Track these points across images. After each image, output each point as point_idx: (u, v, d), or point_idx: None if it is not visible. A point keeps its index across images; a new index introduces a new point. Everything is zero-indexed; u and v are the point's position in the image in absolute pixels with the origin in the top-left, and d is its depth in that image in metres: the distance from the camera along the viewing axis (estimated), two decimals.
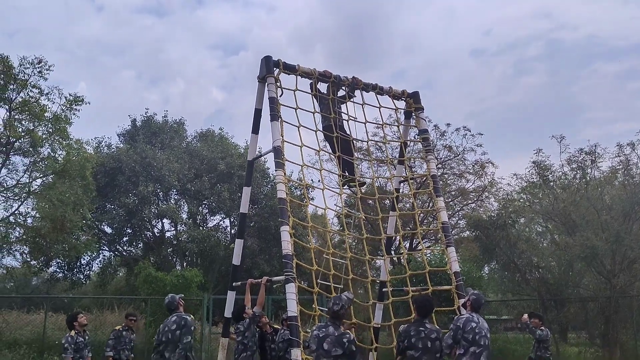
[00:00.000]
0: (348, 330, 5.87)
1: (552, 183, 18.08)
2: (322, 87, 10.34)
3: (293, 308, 7.99)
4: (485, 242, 17.95)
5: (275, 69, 9.69)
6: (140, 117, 29.28)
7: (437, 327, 6.45)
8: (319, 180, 9.69)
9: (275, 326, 10.15)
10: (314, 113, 9.85)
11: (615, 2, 62.71)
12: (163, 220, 28.78)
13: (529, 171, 18.67)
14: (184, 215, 29.41)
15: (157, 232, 29.02)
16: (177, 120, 30.64)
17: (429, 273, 9.70)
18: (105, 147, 27.83)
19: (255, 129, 9.95)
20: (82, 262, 25.58)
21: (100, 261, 27.12)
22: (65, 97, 17.78)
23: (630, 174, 16.19)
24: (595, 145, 17.18)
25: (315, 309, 8.38)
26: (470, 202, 24.56)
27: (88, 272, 26.46)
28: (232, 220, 30.77)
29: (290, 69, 9.74)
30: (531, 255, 17.44)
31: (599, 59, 64.07)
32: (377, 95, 10.67)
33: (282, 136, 9.18)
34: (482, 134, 23.77)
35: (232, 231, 30.55)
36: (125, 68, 71.26)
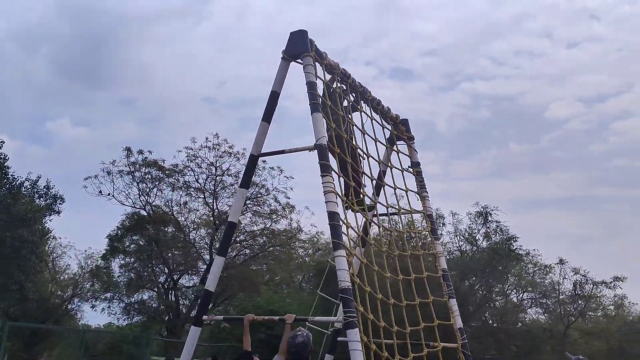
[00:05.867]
0: None
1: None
2: None
3: None
4: (330, 290, 17.08)
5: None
6: None
7: None
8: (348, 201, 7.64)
9: None
10: (343, 113, 7.99)
11: None
12: None
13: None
14: None
15: None
16: None
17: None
18: None
19: (268, 117, 7.66)
20: None
21: None
22: None
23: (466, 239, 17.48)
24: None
25: None
26: (277, 245, 23.74)
27: None
28: None
29: (319, 56, 7.84)
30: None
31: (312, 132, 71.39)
32: (380, 114, 9.25)
33: (326, 133, 7.19)
34: (293, 178, 23.31)
35: None
36: None
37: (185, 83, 70.06)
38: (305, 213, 24.05)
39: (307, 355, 5.44)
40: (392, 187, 8.81)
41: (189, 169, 23.76)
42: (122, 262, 25.60)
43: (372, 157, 8.68)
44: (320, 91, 7.98)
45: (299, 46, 7.63)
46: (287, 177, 23.28)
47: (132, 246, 25.70)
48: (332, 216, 6.69)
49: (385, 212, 9.17)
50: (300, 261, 29.47)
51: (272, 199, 23.75)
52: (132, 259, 25.66)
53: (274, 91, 7.76)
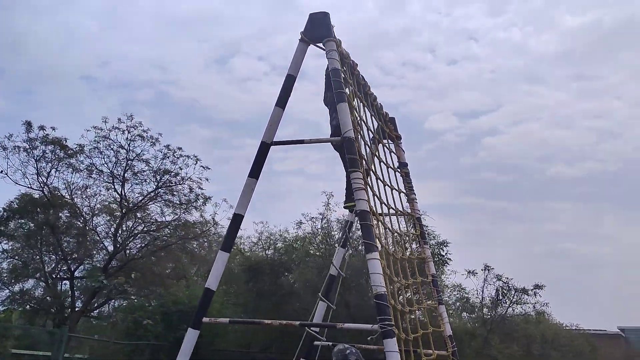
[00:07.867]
0: None
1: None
2: None
3: None
4: (259, 288, 16.40)
5: None
6: None
7: None
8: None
9: None
10: (362, 104, 7.58)
11: (221, 79, 70.26)
12: None
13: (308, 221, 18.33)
14: None
15: None
16: None
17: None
18: None
19: (282, 102, 7.05)
20: None
21: None
22: None
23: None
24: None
25: None
26: (191, 236, 22.50)
27: None
28: None
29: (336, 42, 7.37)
30: (301, 306, 16.69)
31: (194, 121, 69.64)
32: (375, 110, 8.93)
33: (355, 125, 6.78)
34: (209, 168, 22.13)
35: None
36: None
37: (63, 58, 64.74)
38: (223, 206, 22.93)
39: None
40: (390, 186, 8.48)
41: (97, 150, 21.77)
42: (6, 247, 23.03)
43: (375, 155, 8.32)
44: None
45: (321, 29, 7.13)
46: (204, 167, 22.11)
47: (19, 230, 23.23)
48: (364, 215, 6.25)
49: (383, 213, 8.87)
50: (201, 254, 28.22)
51: (187, 188, 22.47)
52: (18, 244, 23.16)
53: (289, 74, 7.16)
